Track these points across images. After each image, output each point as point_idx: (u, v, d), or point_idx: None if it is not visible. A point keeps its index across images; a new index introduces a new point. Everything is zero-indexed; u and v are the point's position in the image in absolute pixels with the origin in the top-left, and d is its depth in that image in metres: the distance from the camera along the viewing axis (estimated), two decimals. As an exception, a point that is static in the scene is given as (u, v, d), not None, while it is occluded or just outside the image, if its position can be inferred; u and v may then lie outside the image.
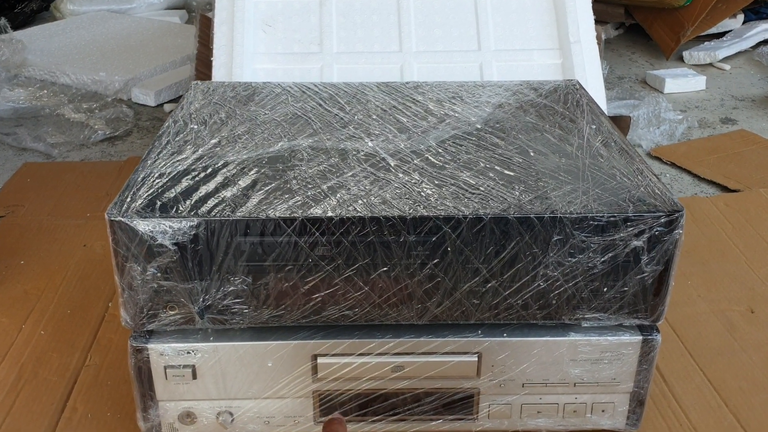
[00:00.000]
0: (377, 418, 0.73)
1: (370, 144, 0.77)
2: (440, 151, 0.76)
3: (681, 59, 2.02)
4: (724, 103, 1.74)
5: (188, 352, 0.69)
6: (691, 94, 1.79)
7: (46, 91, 1.70)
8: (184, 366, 0.70)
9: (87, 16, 2.25)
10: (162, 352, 0.69)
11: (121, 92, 1.75)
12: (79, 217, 1.19)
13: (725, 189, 1.30)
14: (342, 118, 0.84)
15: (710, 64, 2.00)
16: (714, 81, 1.88)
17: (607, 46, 2.10)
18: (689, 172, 1.37)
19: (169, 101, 1.74)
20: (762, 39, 2.10)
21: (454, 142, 0.78)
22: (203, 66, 1.36)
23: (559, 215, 0.64)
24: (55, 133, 1.53)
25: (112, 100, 1.69)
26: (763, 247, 1.09)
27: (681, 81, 1.80)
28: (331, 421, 0.63)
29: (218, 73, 1.14)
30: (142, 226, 0.63)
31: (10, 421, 0.79)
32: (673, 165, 1.40)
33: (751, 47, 2.08)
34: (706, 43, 2.07)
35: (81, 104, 1.65)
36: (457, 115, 0.86)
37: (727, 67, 1.97)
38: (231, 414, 0.72)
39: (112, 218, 0.63)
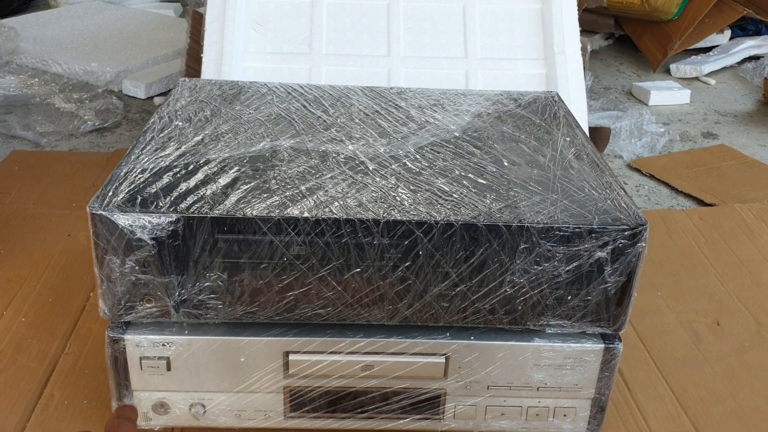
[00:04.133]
0: (346, 415, 0.75)
1: (350, 147, 0.79)
2: (418, 157, 0.78)
3: (668, 72, 2.05)
4: (707, 118, 1.77)
5: (163, 344, 0.71)
6: (675, 107, 1.82)
7: (37, 80, 1.70)
8: (159, 357, 0.71)
9: (81, 6, 2.26)
10: (138, 343, 0.71)
11: (112, 83, 1.76)
12: (64, 207, 1.20)
13: (702, 203, 1.33)
14: (325, 121, 0.86)
15: (696, 78, 2.03)
16: (699, 95, 1.91)
17: (595, 56, 2.13)
18: (667, 185, 1.40)
19: (159, 94, 1.75)
20: (747, 55, 2.13)
21: (432, 149, 0.80)
22: (193, 62, 1.38)
23: (526, 224, 0.66)
24: (44, 121, 1.54)
25: (102, 91, 1.70)
26: (733, 261, 1.12)
27: (666, 94, 1.83)
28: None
29: (208, 70, 1.15)
30: (122, 220, 0.64)
31: (-14, 406, 0.80)
32: (652, 177, 1.43)
33: (736, 63, 2.12)
34: (693, 57, 2.10)
35: (71, 94, 1.66)
36: (437, 122, 0.88)
37: (712, 81, 2.01)
38: (203, 406, 0.74)
39: (94, 212, 0.65)
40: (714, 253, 1.13)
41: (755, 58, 2.13)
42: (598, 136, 1.37)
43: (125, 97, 1.74)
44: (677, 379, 0.88)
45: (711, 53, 2.11)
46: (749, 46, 2.12)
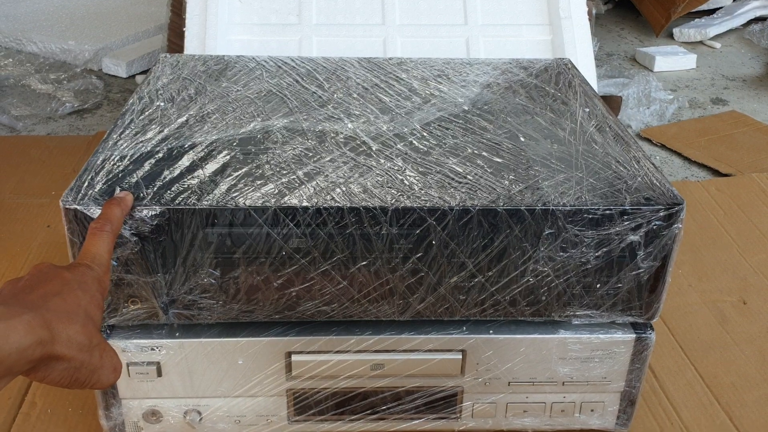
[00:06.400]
0: (355, 417, 0.69)
1: (350, 126, 0.72)
2: (425, 134, 0.71)
3: (671, 36, 1.98)
4: (715, 83, 1.70)
5: (152, 349, 0.65)
6: (681, 72, 1.75)
7: (11, 60, 1.62)
8: (148, 363, 0.65)
9: (57, -19, 2.15)
10: (124, 348, 0.65)
11: (91, 62, 1.68)
12: (43, 196, 1.13)
13: (716, 172, 1.27)
14: (320, 97, 0.79)
15: (700, 42, 1.96)
16: (704, 59, 1.84)
17: (596, 22, 2.05)
18: (679, 155, 1.34)
19: (141, 72, 1.67)
20: (753, 17, 2.06)
21: (439, 125, 0.73)
22: (176, 37, 1.29)
23: (551, 208, 0.59)
24: (19, 104, 1.46)
25: (81, 71, 1.62)
26: (755, 234, 1.06)
27: (671, 59, 1.76)
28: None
29: (191, 45, 1.08)
30: (99, 214, 0.57)
31: (-38, 418, 0.74)
32: (663, 147, 1.37)
33: (741, 25, 2.04)
34: (696, 20, 2.03)
35: (48, 74, 1.57)
36: (443, 95, 0.81)
37: (717, 45, 1.93)
38: (199, 413, 0.68)
39: (67, 206, 0.59)
40: (734, 226, 1.08)
41: (761, 19, 2.06)
42: (609, 105, 1.30)
43: (105, 76, 1.66)
44: (706, 364, 0.82)
45: (715, 15, 2.04)
46: (754, 7, 2.04)
